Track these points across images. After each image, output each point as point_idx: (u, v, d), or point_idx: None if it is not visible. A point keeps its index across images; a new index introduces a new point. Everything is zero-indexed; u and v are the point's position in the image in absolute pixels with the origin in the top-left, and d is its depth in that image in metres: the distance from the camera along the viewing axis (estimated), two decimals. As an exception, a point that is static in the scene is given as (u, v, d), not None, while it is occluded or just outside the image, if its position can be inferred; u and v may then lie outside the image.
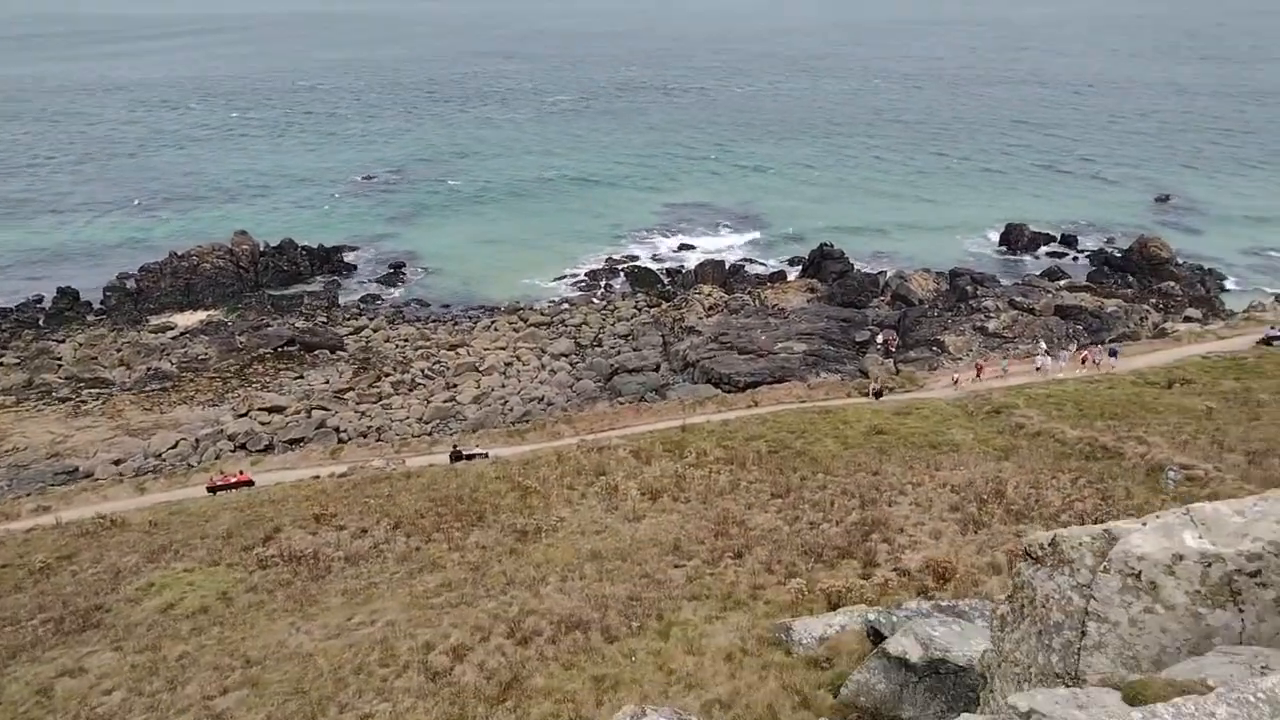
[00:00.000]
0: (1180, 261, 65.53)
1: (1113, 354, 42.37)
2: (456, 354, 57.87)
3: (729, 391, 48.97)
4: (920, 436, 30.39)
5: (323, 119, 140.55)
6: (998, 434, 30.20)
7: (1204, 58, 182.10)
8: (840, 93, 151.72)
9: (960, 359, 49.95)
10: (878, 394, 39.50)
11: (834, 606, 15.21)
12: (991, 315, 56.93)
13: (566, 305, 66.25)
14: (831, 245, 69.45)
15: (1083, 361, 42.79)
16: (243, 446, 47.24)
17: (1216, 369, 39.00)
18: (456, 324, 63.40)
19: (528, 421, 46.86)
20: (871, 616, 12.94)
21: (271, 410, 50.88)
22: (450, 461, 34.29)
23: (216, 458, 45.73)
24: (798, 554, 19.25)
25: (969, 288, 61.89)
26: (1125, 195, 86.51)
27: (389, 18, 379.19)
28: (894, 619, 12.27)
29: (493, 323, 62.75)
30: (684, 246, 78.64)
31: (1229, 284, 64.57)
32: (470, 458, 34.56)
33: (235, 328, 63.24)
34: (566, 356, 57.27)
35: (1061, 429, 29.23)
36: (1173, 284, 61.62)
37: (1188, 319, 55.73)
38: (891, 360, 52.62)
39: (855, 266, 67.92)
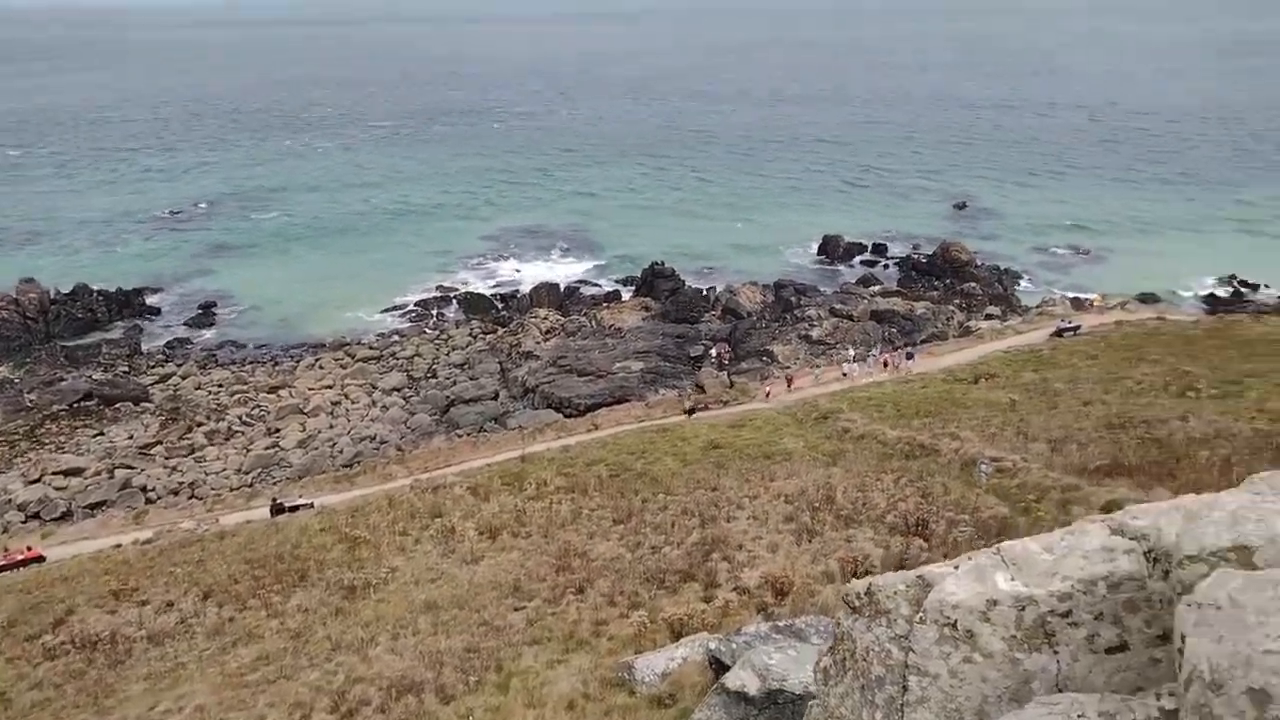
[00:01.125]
0: (979, 263, 70.66)
1: (909, 357, 45.01)
2: (278, 396, 54.43)
3: (570, 415, 48.49)
4: (755, 448, 30.93)
5: (116, 153, 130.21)
6: (826, 439, 31.17)
7: (989, 74, 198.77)
8: (661, 115, 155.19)
9: (790, 366, 51.62)
10: (690, 411, 40.01)
11: (677, 636, 14.89)
12: (815, 324, 59.29)
13: (397, 337, 63.81)
14: (662, 263, 70.49)
15: (884, 365, 45.07)
16: (35, 516, 42.47)
17: (1017, 362, 42.11)
18: (277, 364, 59.70)
19: (358, 464, 44.59)
20: (712, 645, 12.72)
21: (68, 473, 46.07)
22: (271, 515, 31.95)
23: (3, 531, 40.84)
24: (640, 582, 18.89)
25: (793, 298, 64.26)
26: (926, 204, 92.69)
27: (180, 44, 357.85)
28: (734, 646, 12.10)
29: (317, 360, 59.52)
30: (517, 271, 77.73)
31: (1023, 282, 70.16)
32: (293, 509, 32.31)
33: (23, 385, 57.02)
34: (399, 391, 55.06)
35: (883, 430, 30.51)
36: (974, 285, 66.28)
37: (989, 317, 60.00)
38: (726, 373, 53.74)
39: (686, 283, 69.17)
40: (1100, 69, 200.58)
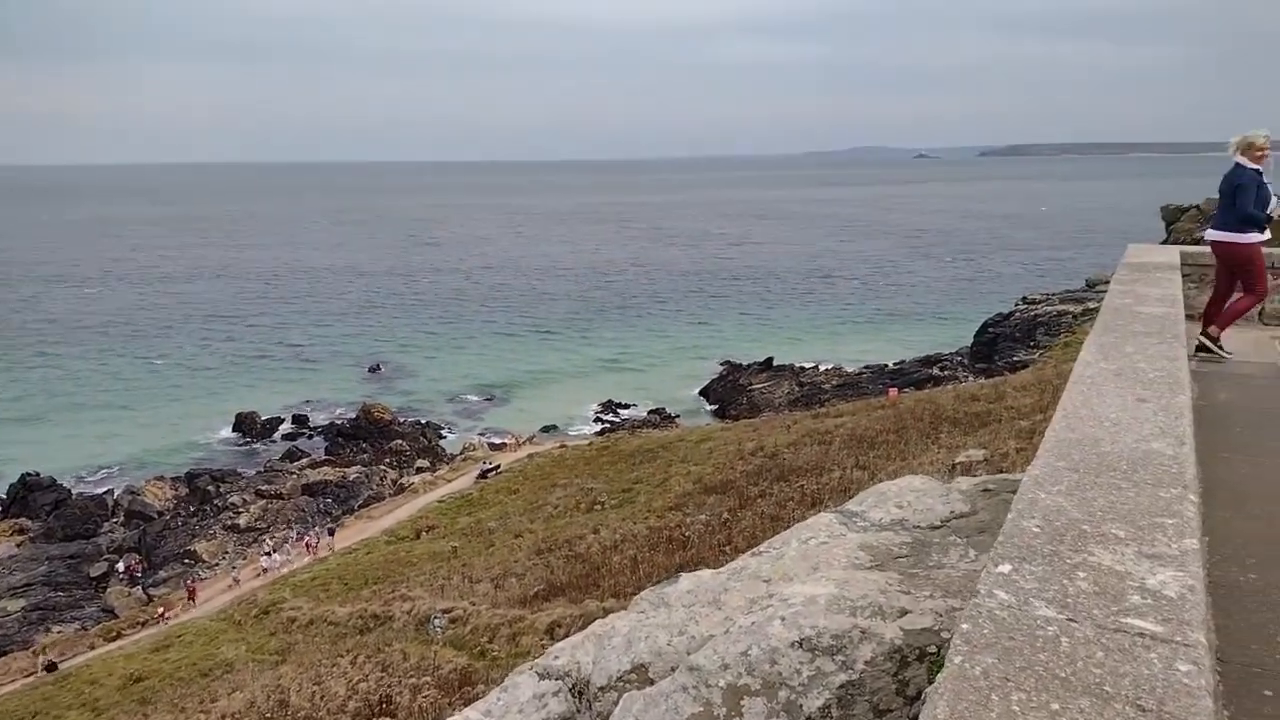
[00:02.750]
0: (402, 420, 73.16)
1: (331, 533, 44.09)
2: None
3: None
4: (189, 668, 27.04)
5: None
6: (271, 636, 28.66)
7: (369, 245, 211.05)
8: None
9: (218, 564, 46.71)
10: (50, 667, 32.96)
11: None
12: (240, 510, 54.91)
13: None
14: (36, 474, 59.00)
15: (307, 548, 43.22)
16: None
17: (452, 510, 44.11)
18: None
19: None
20: None
21: None
22: None
23: None
24: None
25: (211, 487, 58.73)
26: (341, 370, 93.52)
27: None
28: None
29: None
30: None
31: (445, 431, 74.36)
32: None
33: None
34: None
35: (333, 609, 29.18)
36: (401, 441, 68.24)
37: (420, 470, 62.12)
38: (140, 587, 46.46)
39: (73, 492, 58.77)
40: (469, 235, 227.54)
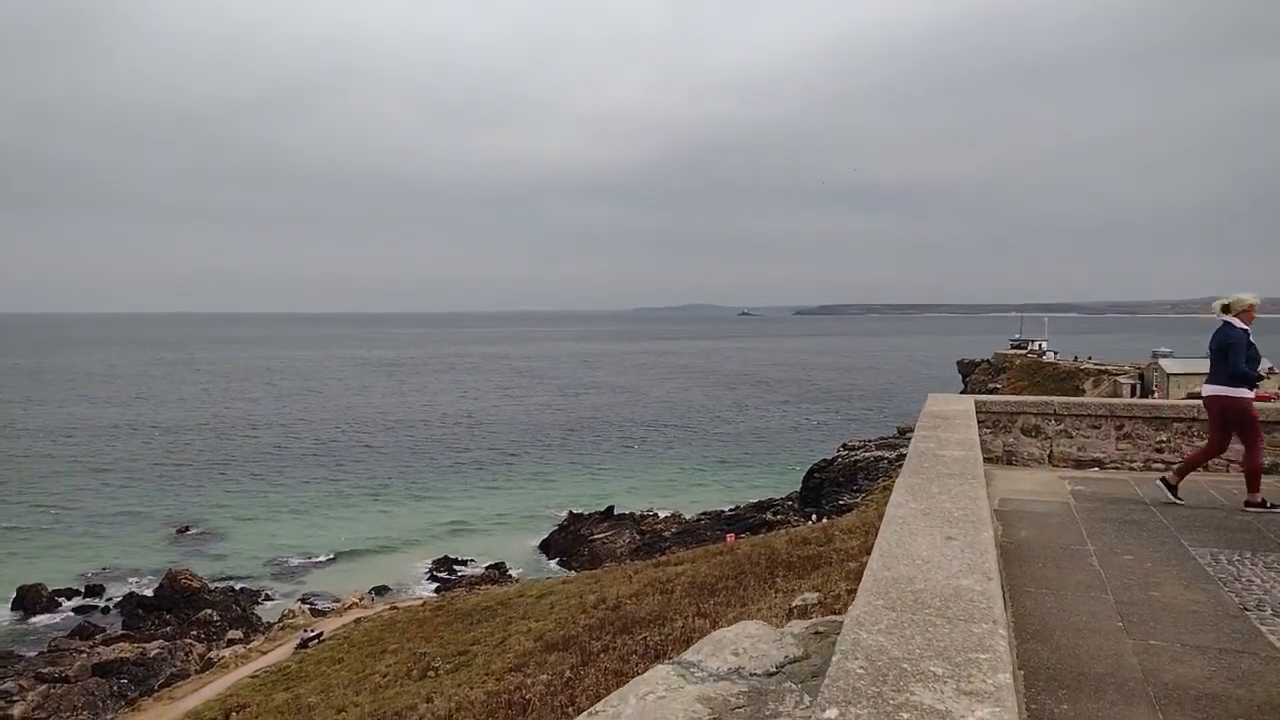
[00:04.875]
0: (213, 588, 67.01)
1: None
2: None
3: None
4: None
5: None
6: None
7: (173, 399, 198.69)
8: None
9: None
10: None
11: None
12: (15, 698, 47.83)
13: None
14: None
15: None
16: None
17: (268, 684, 40.04)
18: None
19: None
20: None
21: None
22: None
23: None
24: None
25: (-21, 674, 51.16)
26: (142, 533, 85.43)
27: None
28: None
29: None
30: None
31: (261, 598, 68.54)
32: None
33: None
34: None
35: (121, 812, 25.40)
36: (210, 611, 62.27)
37: (230, 642, 56.52)
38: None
39: None
40: (291, 388, 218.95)
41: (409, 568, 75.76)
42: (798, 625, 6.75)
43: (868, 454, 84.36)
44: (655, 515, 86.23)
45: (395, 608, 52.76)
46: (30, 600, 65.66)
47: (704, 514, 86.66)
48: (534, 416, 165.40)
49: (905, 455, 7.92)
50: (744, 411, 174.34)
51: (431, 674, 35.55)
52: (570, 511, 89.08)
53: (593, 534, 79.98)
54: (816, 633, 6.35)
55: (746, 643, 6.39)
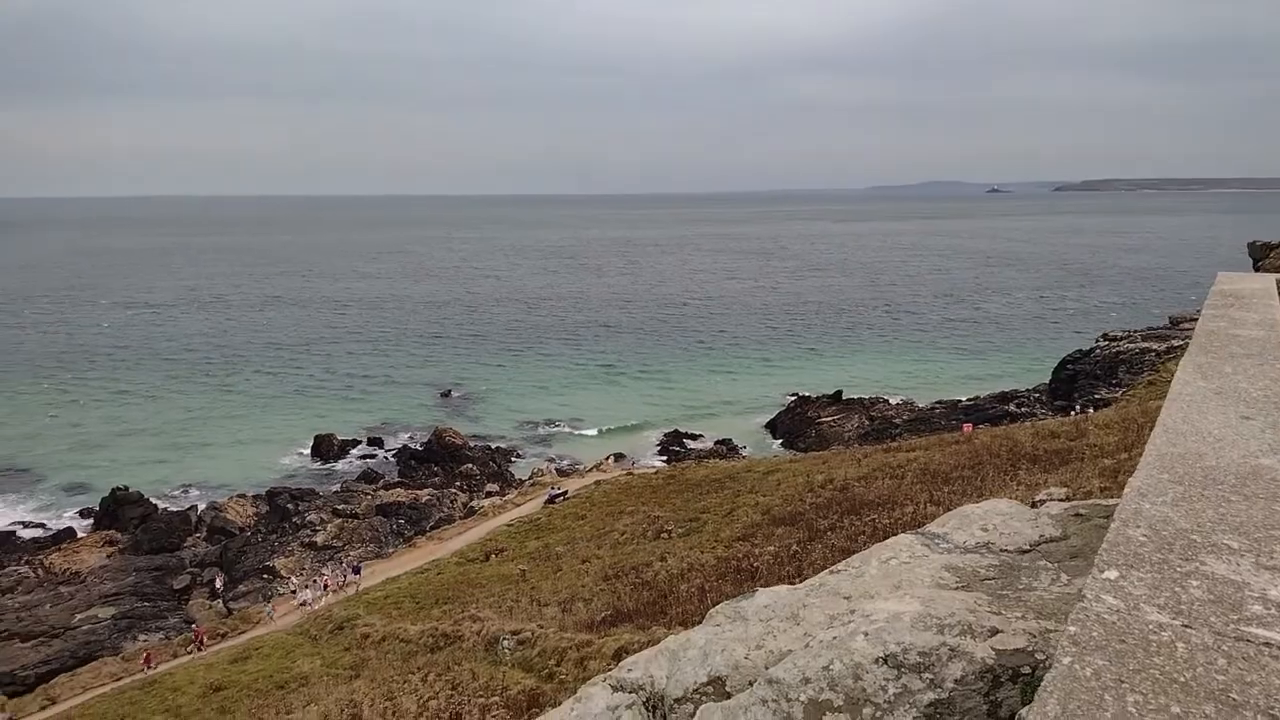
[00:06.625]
0: (473, 444, 74.20)
1: (356, 570, 43.40)
2: None
3: (15, 693, 38.54)
4: (265, 680, 27.68)
5: None
6: (345, 651, 29.17)
7: (431, 275, 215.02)
8: (51, 330, 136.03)
9: (294, 576, 47.81)
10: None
11: None
12: (318, 528, 56.25)
13: None
14: (127, 488, 61.46)
15: (324, 588, 42.05)
16: None
17: (520, 533, 44.40)
18: None
19: None
20: None
21: None
22: None
23: None
24: None
25: (290, 505, 60.41)
26: (412, 395, 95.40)
27: None
28: None
29: None
30: (-84, 524, 61.27)
31: (514, 456, 75.14)
32: None
33: None
34: None
35: (404, 627, 29.57)
36: (471, 465, 69.17)
37: (489, 494, 62.79)
38: (220, 600, 47.86)
39: (159, 507, 61.05)
40: (530, 268, 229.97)
41: (642, 439, 79.75)
42: (1055, 506, 6.47)
43: (1132, 345, 76.97)
44: (886, 401, 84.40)
45: (631, 474, 56.01)
46: (324, 448, 76.03)
47: (938, 403, 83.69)
48: (761, 299, 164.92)
49: (1179, 348, 7.18)
50: (988, 296, 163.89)
51: (665, 536, 37.75)
52: (797, 394, 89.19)
53: (820, 417, 79.82)
54: (1077, 514, 6.06)
55: (997, 519, 6.21)
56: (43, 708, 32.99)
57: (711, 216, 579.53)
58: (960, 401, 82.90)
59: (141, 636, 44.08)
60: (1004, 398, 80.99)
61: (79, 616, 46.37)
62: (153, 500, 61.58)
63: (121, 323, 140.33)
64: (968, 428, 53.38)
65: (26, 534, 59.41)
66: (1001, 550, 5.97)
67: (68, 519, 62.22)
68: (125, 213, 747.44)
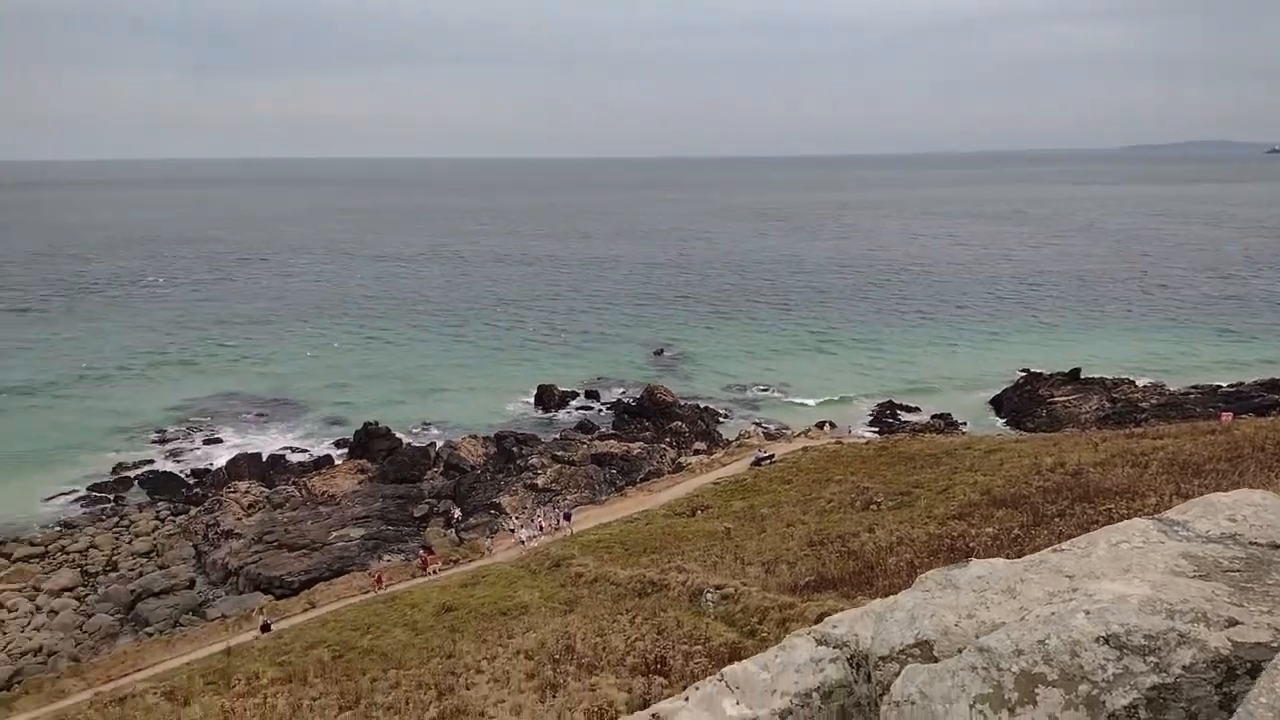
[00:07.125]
0: (683, 403, 75.83)
1: (567, 517, 44.81)
2: (-100, 618, 44.76)
3: (282, 596, 44.38)
4: (490, 605, 30.18)
5: None
6: (560, 587, 31.18)
7: (638, 237, 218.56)
8: (335, 279, 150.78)
9: (515, 516, 51.35)
10: (265, 628, 34.04)
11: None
12: (539, 472, 59.89)
13: (65, 529, 55.48)
14: (376, 423, 68.25)
15: (540, 529, 43.78)
16: None
17: (726, 493, 45.12)
18: (-101, 578, 49.30)
19: (18, 684, 37.43)
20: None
21: None
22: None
23: None
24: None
25: (515, 448, 64.67)
26: (628, 352, 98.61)
27: None
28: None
29: (-45, 568, 49.97)
30: (210, 442, 71.37)
31: (722, 417, 76.07)
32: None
33: None
34: (70, 591, 47.58)
35: (615, 571, 31.14)
36: (680, 423, 70.79)
37: (697, 452, 64.11)
38: (454, 530, 52.31)
39: (403, 441, 67.34)
40: (733, 233, 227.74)
41: (853, 409, 78.07)
42: (1319, 502, 5.93)
43: None
44: (1131, 383, 77.40)
45: (840, 442, 55.15)
46: (546, 397, 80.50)
47: (1194, 387, 75.68)
48: (990, 267, 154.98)
49: None
50: (1259, 271, 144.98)
51: (874, 507, 37.04)
52: (1027, 370, 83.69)
53: (1053, 396, 74.55)
54: (1345, 512, 5.54)
55: (1248, 509, 5.79)
56: (304, 610, 37.75)
57: (944, 179, 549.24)
58: (1220, 387, 74.61)
59: (385, 557, 49.18)
60: (1273, 386, 71.99)
61: (334, 534, 52.40)
62: (398, 435, 67.99)
63: (374, 274, 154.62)
64: (1227, 417, 48.04)
65: (294, 458, 67.62)
66: (1251, 543, 5.59)
67: (326, 447, 70.17)
68: (392, 174, 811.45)
